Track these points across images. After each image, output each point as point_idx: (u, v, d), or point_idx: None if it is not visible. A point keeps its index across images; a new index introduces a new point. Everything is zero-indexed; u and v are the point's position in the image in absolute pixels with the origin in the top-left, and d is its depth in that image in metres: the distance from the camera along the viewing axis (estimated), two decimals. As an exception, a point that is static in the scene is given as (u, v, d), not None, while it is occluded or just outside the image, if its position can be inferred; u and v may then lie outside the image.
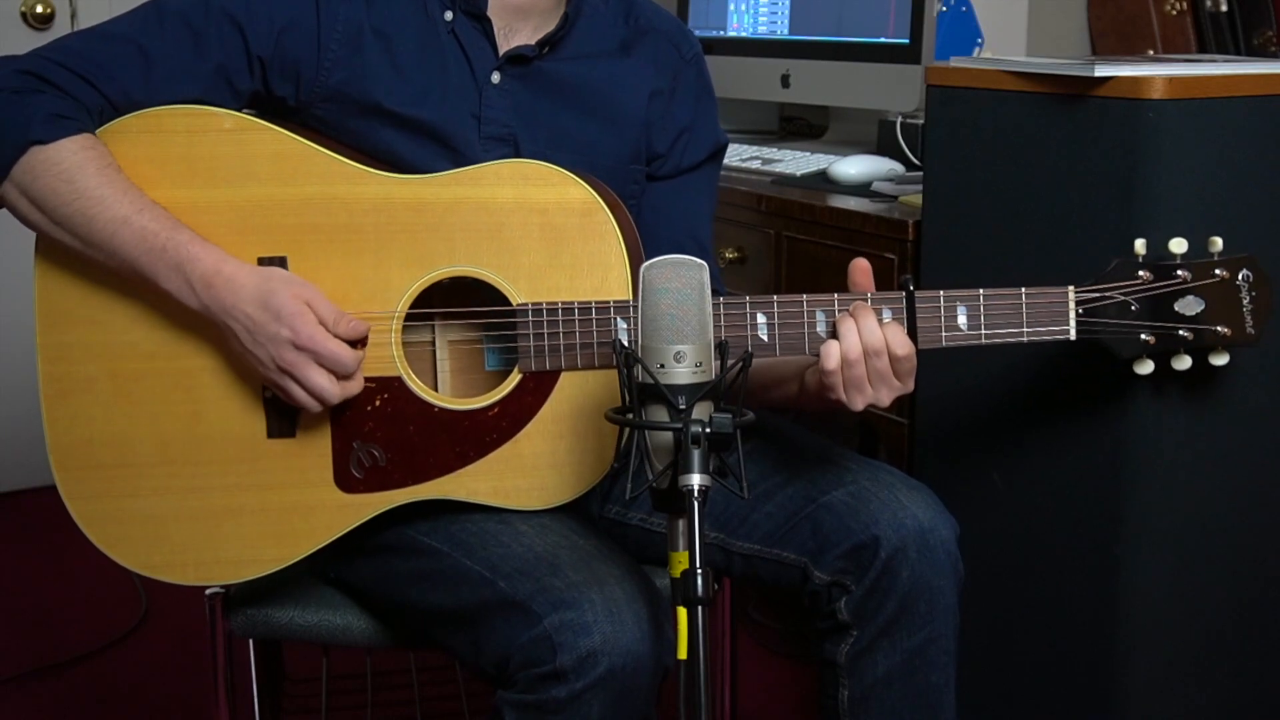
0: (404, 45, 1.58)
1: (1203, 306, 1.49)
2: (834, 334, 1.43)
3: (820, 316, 1.46)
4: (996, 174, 1.78)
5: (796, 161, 2.46)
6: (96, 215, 1.46)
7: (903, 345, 1.42)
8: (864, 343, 1.41)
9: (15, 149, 1.46)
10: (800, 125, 2.94)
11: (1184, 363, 1.51)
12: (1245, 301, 1.49)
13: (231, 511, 1.54)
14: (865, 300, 1.45)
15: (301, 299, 1.46)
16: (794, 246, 2.22)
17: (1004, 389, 1.82)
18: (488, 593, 1.44)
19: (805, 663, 2.54)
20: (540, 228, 1.50)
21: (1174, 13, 2.82)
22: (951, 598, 1.53)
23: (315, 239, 1.51)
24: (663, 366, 1.26)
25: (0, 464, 3.44)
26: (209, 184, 1.51)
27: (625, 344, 1.30)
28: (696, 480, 1.22)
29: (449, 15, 1.60)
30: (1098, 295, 1.48)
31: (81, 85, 1.48)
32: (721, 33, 2.78)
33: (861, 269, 1.47)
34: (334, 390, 1.47)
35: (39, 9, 3.38)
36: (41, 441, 1.55)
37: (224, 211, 1.51)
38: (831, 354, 1.41)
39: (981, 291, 1.47)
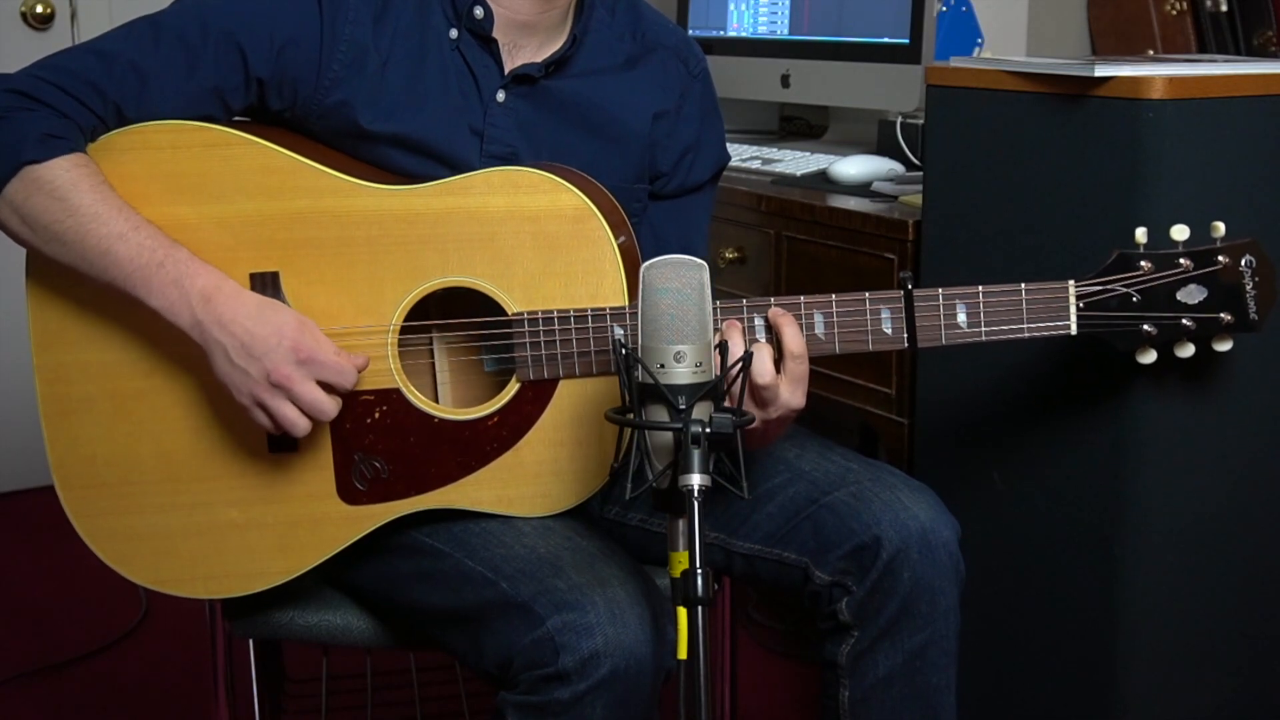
0: (406, 62, 1.57)
1: (1205, 294, 1.47)
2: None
3: (819, 319, 1.46)
4: (996, 174, 1.78)
5: (796, 161, 2.46)
6: (91, 232, 1.45)
7: (795, 344, 1.42)
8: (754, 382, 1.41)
9: (8, 169, 1.44)
10: (800, 125, 2.94)
11: (1187, 350, 1.50)
12: (1249, 288, 1.48)
13: (237, 526, 1.54)
14: (864, 302, 1.43)
15: (301, 320, 1.46)
16: (794, 246, 2.22)
17: (1004, 389, 1.82)
18: (490, 594, 1.44)
19: (805, 663, 2.54)
20: (533, 236, 1.50)
21: (1174, 13, 2.82)
22: (952, 599, 1.53)
23: (307, 253, 1.51)
24: (663, 366, 1.26)
25: (0, 464, 3.44)
26: (197, 200, 1.50)
27: (624, 343, 1.29)
28: (696, 480, 1.22)
29: (454, 33, 1.59)
30: (1099, 289, 1.47)
31: (74, 104, 1.47)
32: (721, 33, 2.78)
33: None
34: (330, 405, 1.46)
35: (39, 9, 3.38)
36: (41, 442, 1.55)
37: (213, 228, 1.50)
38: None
39: (981, 288, 1.46)
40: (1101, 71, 1.62)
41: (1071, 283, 1.47)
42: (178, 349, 1.52)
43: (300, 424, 1.46)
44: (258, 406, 1.46)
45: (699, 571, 1.21)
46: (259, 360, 1.44)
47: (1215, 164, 1.64)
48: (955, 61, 1.86)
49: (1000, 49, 2.51)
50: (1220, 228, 1.48)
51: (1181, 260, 1.47)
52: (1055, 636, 1.80)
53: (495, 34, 1.59)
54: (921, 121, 2.21)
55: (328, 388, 1.46)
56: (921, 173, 1.95)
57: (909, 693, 1.54)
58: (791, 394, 1.42)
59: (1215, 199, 1.64)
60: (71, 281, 1.51)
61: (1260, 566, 1.80)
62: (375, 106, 1.56)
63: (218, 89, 1.52)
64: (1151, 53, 2.73)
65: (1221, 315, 1.48)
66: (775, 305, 1.45)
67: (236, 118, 1.57)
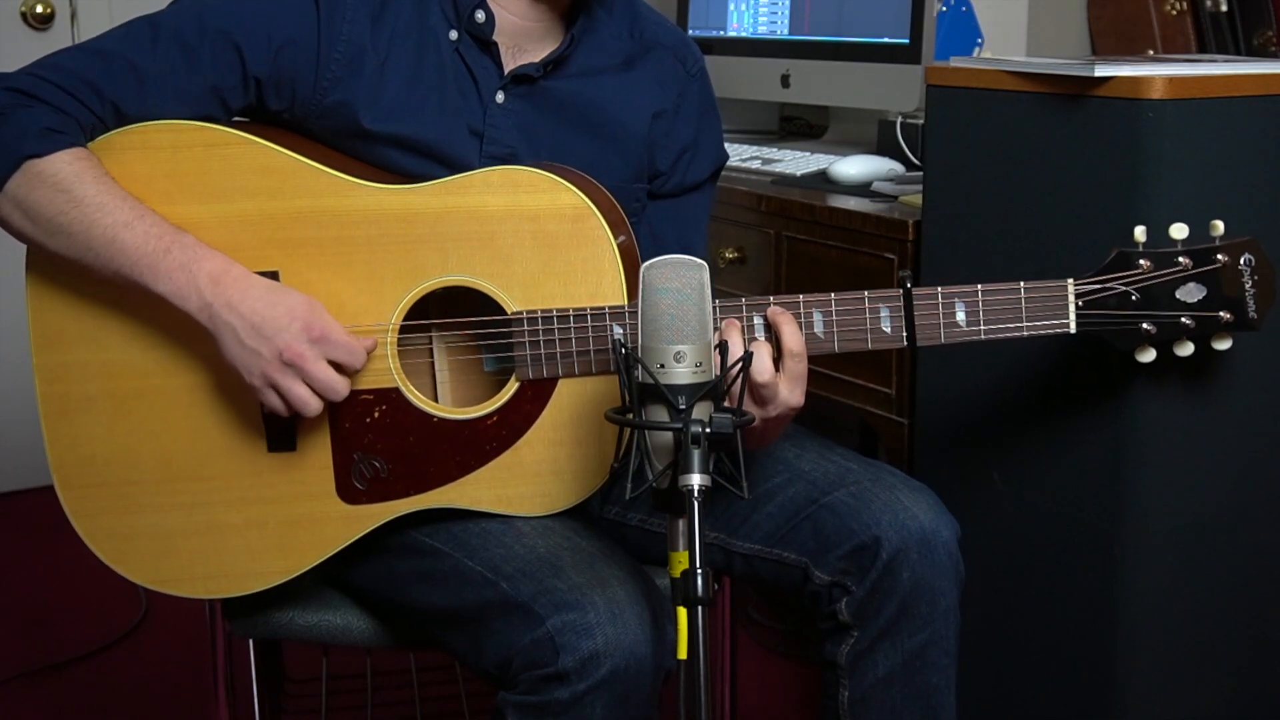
0: (404, 63, 1.57)
1: (1205, 293, 1.47)
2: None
3: (818, 317, 1.45)
4: (996, 174, 1.78)
5: (796, 161, 2.46)
6: (96, 221, 1.45)
7: (794, 341, 1.41)
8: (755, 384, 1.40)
9: (9, 165, 1.45)
10: (800, 125, 2.94)
11: (1186, 349, 1.50)
12: (1248, 286, 1.48)
13: (236, 526, 1.54)
14: (863, 300, 1.43)
15: (310, 301, 1.46)
16: (794, 246, 2.22)
17: (1003, 389, 1.82)
18: (490, 594, 1.44)
19: (805, 663, 2.54)
20: (532, 235, 1.50)
21: (1174, 13, 2.82)
22: (952, 599, 1.53)
23: (307, 252, 1.51)
24: (663, 366, 1.26)
25: (0, 464, 3.44)
26: (197, 199, 1.50)
27: (624, 343, 1.29)
28: (696, 480, 1.22)
29: (454, 35, 1.59)
30: (1097, 287, 1.47)
31: (73, 102, 1.47)
32: (721, 33, 2.78)
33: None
34: (342, 384, 1.46)
35: (39, 9, 3.38)
36: (41, 442, 1.55)
37: (213, 227, 1.50)
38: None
39: (980, 287, 1.46)
40: (1101, 71, 1.62)
41: (1070, 281, 1.47)
42: (178, 349, 1.52)
43: (312, 403, 1.46)
44: (269, 387, 1.46)
45: (699, 571, 1.21)
46: (270, 339, 1.44)
47: (1215, 164, 1.64)
48: (955, 61, 1.86)
49: (1000, 49, 2.51)
50: (1219, 226, 1.48)
51: (1181, 259, 1.47)
52: (1055, 636, 1.80)
53: (496, 37, 1.59)
54: (921, 121, 2.21)
55: (338, 368, 1.46)
56: (921, 173, 1.95)
57: (909, 693, 1.54)
58: (790, 392, 1.42)
59: (1215, 198, 1.64)
60: (72, 281, 1.51)
61: (1260, 566, 1.80)
62: (374, 106, 1.56)
63: (216, 88, 1.52)
64: (1151, 53, 2.72)
65: (1221, 314, 1.48)
66: (774, 304, 1.45)
67: (236, 118, 1.57)
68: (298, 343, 1.44)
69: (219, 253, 1.47)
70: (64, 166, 1.45)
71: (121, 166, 1.49)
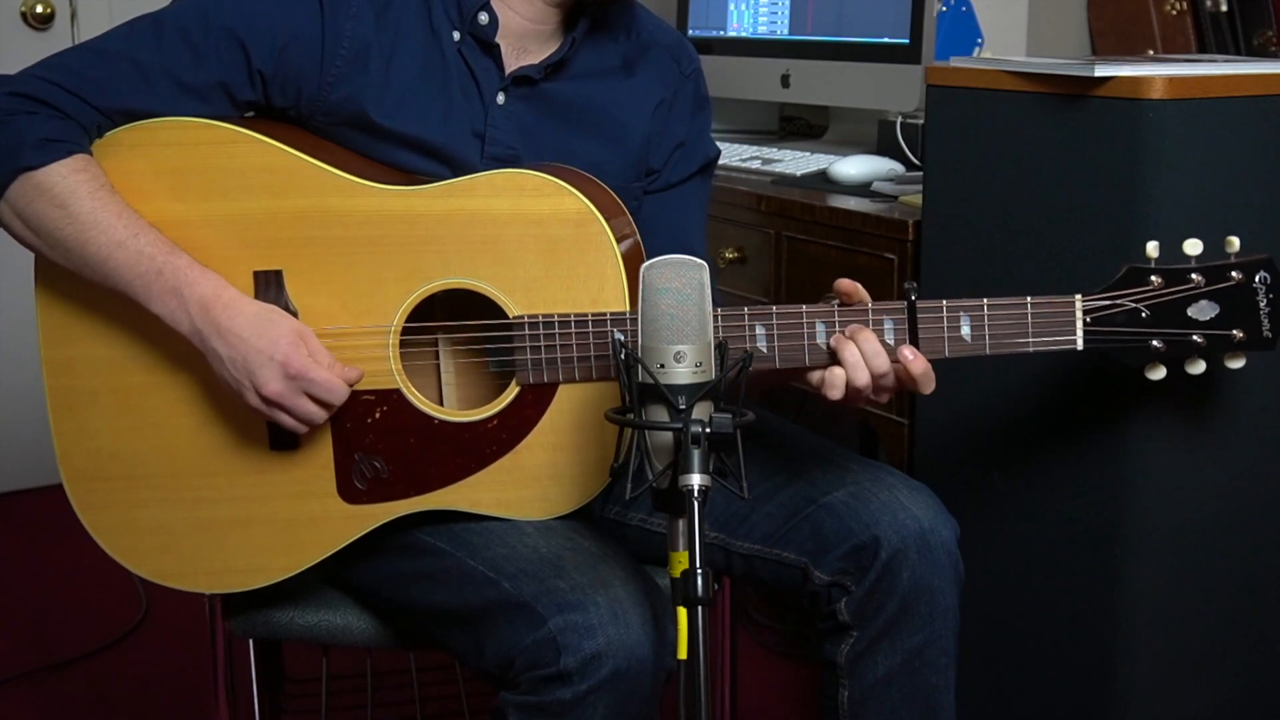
0: (409, 63, 1.57)
1: (1217, 311, 1.44)
2: (834, 358, 1.42)
3: (820, 328, 1.44)
4: (996, 174, 1.78)
5: (796, 161, 2.46)
6: (91, 239, 1.46)
7: (917, 364, 1.41)
8: (870, 368, 1.40)
9: (6, 176, 1.45)
10: (800, 125, 2.94)
11: (1198, 367, 1.47)
12: (1262, 305, 1.44)
13: (238, 522, 1.55)
14: (866, 311, 1.43)
15: (298, 332, 1.46)
16: (794, 246, 2.22)
17: (1005, 389, 1.82)
18: (492, 593, 1.44)
19: (805, 663, 2.54)
20: (536, 239, 1.49)
21: (1174, 13, 2.82)
22: (951, 599, 1.53)
23: (310, 252, 1.51)
24: (663, 366, 1.26)
25: (0, 464, 3.44)
26: (202, 197, 1.50)
27: (624, 343, 1.29)
28: (696, 480, 1.22)
29: (456, 35, 1.59)
30: (1106, 303, 1.44)
31: (76, 103, 1.47)
32: (721, 33, 2.78)
33: (846, 290, 1.45)
34: (322, 415, 1.48)
35: (39, 9, 3.38)
36: (42, 442, 1.55)
37: (219, 225, 1.50)
38: (836, 385, 1.41)
39: (986, 301, 1.44)
40: (1101, 71, 1.62)
41: (1078, 297, 1.44)
42: (181, 346, 1.52)
43: (300, 428, 1.48)
44: (258, 411, 1.48)
45: (699, 571, 1.21)
46: (252, 374, 1.45)
47: (1215, 164, 1.64)
48: (955, 61, 1.86)
49: (1000, 49, 2.51)
50: (1235, 243, 1.45)
51: (1193, 275, 1.44)
52: (1055, 636, 1.80)
53: (499, 39, 1.59)
54: (921, 121, 2.21)
55: (321, 401, 1.47)
56: (921, 173, 1.95)
57: (908, 692, 1.54)
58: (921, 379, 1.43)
59: (1214, 199, 1.64)
60: (79, 278, 1.51)
61: (1260, 566, 1.80)
62: (380, 103, 1.56)
63: (222, 84, 1.52)
64: (1151, 53, 2.73)
65: (1234, 333, 1.44)
66: (853, 324, 1.43)
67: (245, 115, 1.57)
68: (275, 381, 1.45)
69: (212, 274, 1.47)
70: (59, 180, 1.45)
71: (127, 163, 1.50)
